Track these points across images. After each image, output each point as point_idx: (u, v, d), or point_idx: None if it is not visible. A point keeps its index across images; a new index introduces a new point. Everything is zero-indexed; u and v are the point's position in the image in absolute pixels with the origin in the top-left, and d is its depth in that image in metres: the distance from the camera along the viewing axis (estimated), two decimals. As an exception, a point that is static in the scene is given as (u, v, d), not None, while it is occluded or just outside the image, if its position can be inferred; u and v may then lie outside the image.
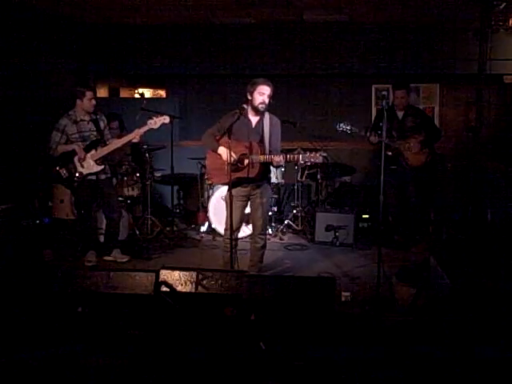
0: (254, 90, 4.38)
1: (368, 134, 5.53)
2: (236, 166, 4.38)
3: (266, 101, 4.39)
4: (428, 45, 7.06)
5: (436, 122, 7.33)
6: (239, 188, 4.47)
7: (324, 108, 7.70)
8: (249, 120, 4.49)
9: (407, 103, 5.84)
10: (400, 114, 5.81)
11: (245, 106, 4.46)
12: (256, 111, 4.44)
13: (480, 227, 5.86)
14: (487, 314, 3.58)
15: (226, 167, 4.36)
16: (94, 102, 5.16)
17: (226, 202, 4.62)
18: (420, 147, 5.69)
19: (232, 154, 4.33)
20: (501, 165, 6.27)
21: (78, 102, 5.14)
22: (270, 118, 4.55)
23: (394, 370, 3.09)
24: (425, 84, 7.50)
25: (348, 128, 5.34)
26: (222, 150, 4.41)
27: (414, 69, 7.19)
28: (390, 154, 5.64)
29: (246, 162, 4.37)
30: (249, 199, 4.62)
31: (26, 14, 6.22)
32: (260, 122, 4.51)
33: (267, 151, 4.43)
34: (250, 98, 4.43)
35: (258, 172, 4.39)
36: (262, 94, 4.37)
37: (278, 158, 4.33)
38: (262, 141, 4.47)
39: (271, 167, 4.79)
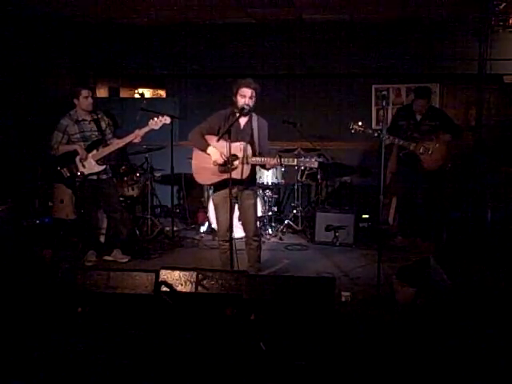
0: (236, 91, 4.33)
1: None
2: (225, 166, 4.29)
3: (248, 102, 4.30)
4: (428, 45, 7.04)
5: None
6: (227, 189, 4.28)
7: (324, 108, 7.69)
8: (237, 121, 4.37)
9: (426, 109, 5.79)
10: (418, 117, 5.77)
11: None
12: (241, 113, 4.32)
13: (480, 227, 5.87)
14: (487, 314, 3.58)
15: (213, 167, 4.35)
16: (90, 100, 5.16)
17: (214, 204, 4.61)
18: (437, 151, 5.61)
19: (223, 154, 4.28)
20: (501, 165, 6.27)
21: (75, 101, 5.16)
22: (258, 120, 4.48)
23: (391, 369, 3.09)
24: (425, 84, 7.48)
25: (362, 129, 5.17)
26: (212, 151, 4.36)
27: (414, 69, 7.18)
28: (401, 155, 5.65)
29: (236, 163, 4.30)
30: (236, 201, 4.53)
31: (26, 14, 6.22)
32: (248, 124, 4.45)
33: (258, 153, 4.38)
34: (234, 99, 4.37)
35: (248, 174, 4.33)
36: (243, 96, 4.30)
37: (273, 161, 4.27)
38: (252, 142, 4.40)
39: (263, 170, 4.70)
